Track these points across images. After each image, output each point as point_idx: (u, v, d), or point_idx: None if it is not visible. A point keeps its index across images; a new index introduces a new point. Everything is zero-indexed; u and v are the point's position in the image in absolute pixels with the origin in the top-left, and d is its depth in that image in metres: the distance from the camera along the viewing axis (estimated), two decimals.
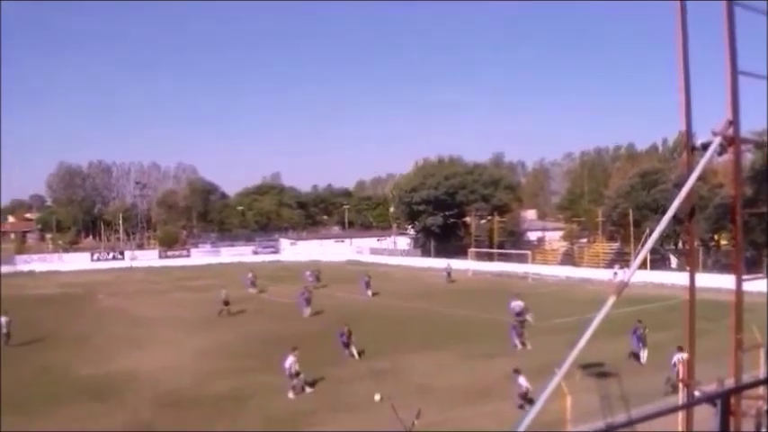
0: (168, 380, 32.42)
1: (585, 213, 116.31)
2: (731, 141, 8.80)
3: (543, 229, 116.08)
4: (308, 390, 30.02)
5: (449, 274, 75.58)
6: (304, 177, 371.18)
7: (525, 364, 31.29)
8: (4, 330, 41.30)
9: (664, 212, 9.65)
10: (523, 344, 38.79)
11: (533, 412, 9.58)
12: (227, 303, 51.94)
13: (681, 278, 40.85)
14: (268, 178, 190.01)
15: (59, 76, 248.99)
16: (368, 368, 33.95)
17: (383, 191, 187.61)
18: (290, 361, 29.91)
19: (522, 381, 26.51)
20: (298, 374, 29.93)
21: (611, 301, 8.66)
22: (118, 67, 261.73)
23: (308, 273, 70.83)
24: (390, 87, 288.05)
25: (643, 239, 72.21)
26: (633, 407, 24.17)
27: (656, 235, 10.06)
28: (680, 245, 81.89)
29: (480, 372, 32.75)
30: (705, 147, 8.97)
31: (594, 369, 30.51)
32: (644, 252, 10.73)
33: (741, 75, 8.80)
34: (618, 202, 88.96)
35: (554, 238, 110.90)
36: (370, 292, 62.85)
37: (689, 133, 9.60)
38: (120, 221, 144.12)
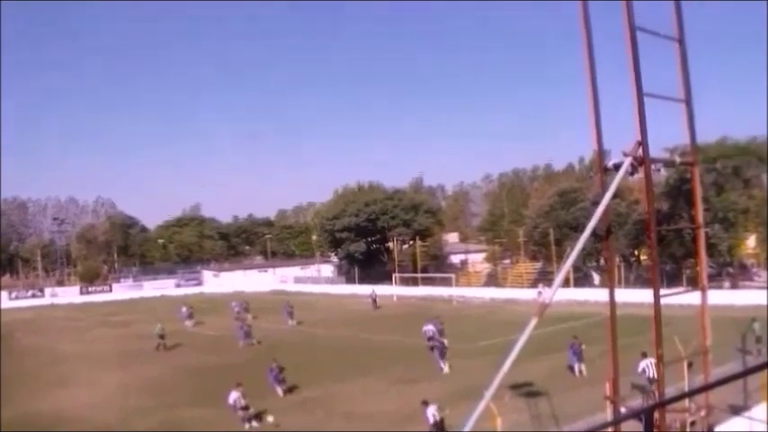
0: (95, 418, 31.82)
1: (507, 234, 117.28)
2: (641, 161, 9.06)
3: (466, 252, 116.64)
4: (255, 424, 29.72)
5: (374, 300, 75.49)
6: (224, 208, 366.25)
7: (451, 388, 31.59)
8: None
9: (584, 230, 9.88)
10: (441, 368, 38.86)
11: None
12: (162, 337, 51.26)
13: (604, 294, 41.29)
14: (188, 210, 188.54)
15: None
16: (297, 398, 33.82)
17: (305, 219, 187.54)
18: (233, 397, 29.81)
19: (431, 412, 26.06)
20: (247, 408, 29.79)
21: (533, 322, 8.84)
22: (28, 99, 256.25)
23: (234, 304, 70.29)
24: (307, 116, 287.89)
25: (564, 258, 73.19)
26: (564, 424, 24.37)
27: (573, 255, 10.30)
28: (602, 262, 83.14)
29: (407, 397, 32.73)
30: (617, 167, 9.23)
31: (524, 389, 30.78)
32: (563, 272, 11.00)
33: (647, 97, 9.10)
34: (538, 222, 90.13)
35: (477, 261, 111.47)
36: (292, 322, 62.55)
37: (600, 154, 9.86)
38: (39, 258, 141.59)
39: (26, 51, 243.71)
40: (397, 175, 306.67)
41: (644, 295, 31.49)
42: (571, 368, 36.00)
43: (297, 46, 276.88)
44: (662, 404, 7.18)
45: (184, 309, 67.44)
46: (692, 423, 9.66)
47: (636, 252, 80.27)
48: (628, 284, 66.21)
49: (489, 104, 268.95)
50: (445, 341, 41.30)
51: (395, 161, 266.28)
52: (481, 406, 9.12)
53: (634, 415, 5.29)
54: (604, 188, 9.67)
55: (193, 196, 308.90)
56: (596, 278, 77.65)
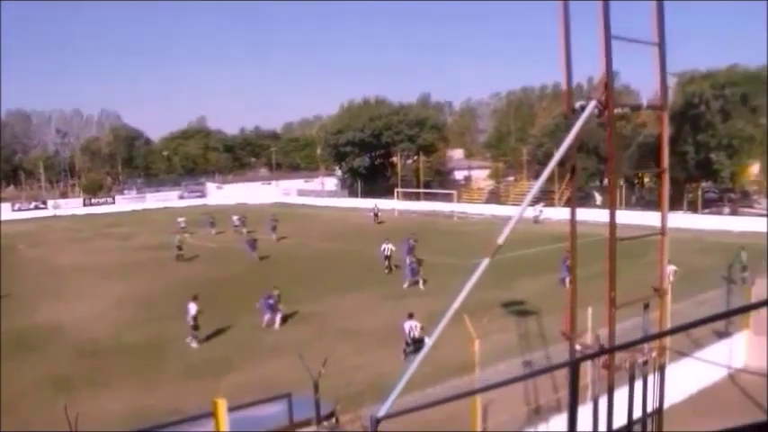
0: (89, 330, 32.30)
1: (512, 152, 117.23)
2: (606, 104, 9.09)
3: (470, 168, 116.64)
4: (194, 345, 29.37)
5: (376, 214, 76.04)
6: (230, 120, 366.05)
7: (441, 305, 31.74)
8: None
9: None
10: (416, 282, 39.56)
11: (420, 357, 9.91)
12: (180, 248, 52.36)
13: (604, 215, 41.82)
14: (194, 122, 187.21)
15: None
16: (289, 311, 33.67)
17: (311, 132, 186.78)
18: (193, 310, 29.31)
19: (410, 326, 26.30)
20: (197, 327, 29.74)
21: (485, 262, 8.95)
22: (34, 8, 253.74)
23: (235, 218, 70.57)
24: (314, 27, 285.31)
25: (566, 180, 73.35)
26: (551, 344, 24.52)
27: (539, 183, 10.37)
28: (605, 182, 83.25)
29: (401, 312, 33.07)
30: (583, 108, 9.26)
31: (515, 307, 31.07)
32: (526, 202, 11.05)
33: (615, 39, 9.09)
34: (543, 141, 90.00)
35: (480, 177, 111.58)
36: (274, 236, 61.59)
37: (569, 95, 9.87)
38: (42, 170, 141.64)
39: None
40: (406, 90, 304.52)
41: (644, 217, 32.13)
42: (563, 281, 36.76)
43: None
44: (585, 358, 7.24)
45: (180, 220, 68.83)
46: (644, 363, 9.75)
47: (639, 174, 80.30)
48: (629, 206, 66.74)
49: (499, 21, 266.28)
50: (415, 259, 42.25)
51: (404, 76, 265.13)
52: (435, 334, 9.30)
53: (561, 366, 5.42)
54: (570, 129, 9.71)
55: (199, 108, 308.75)
56: (598, 198, 77.85)
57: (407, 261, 42.55)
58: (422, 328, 25.92)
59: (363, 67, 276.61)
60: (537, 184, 10.36)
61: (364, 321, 32.03)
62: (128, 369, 26.32)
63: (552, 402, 19.34)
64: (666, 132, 10.48)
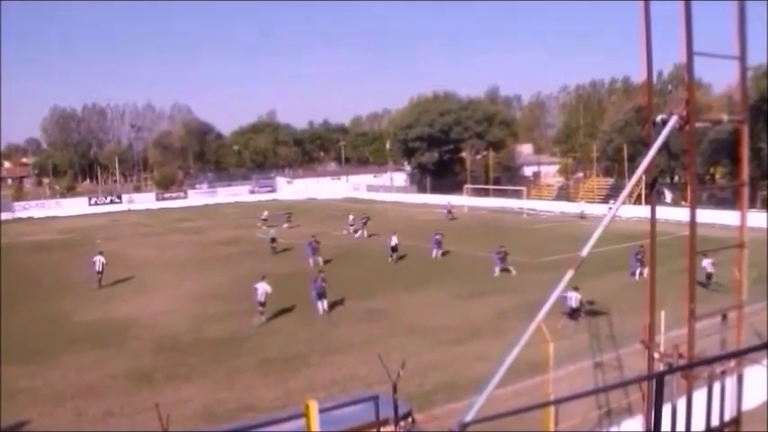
0: (166, 325, 32.66)
1: (581, 148, 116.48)
2: (687, 120, 9.23)
3: (539, 164, 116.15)
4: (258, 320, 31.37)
5: (449, 211, 75.82)
6: (300, 114, 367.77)
7: (515, 302, 32.01)
8: (99, 269, 41.77)
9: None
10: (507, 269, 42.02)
11: (506, 364, 10.16)
12: (273, 240, 53.54)
13: (675, 213, 41.78)
14: (263, 116, 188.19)
15: (52, 20, 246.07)
16: (360, 308, 34.18)
17: (380, 126, 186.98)
18: (261, 289, 31.57)
19: (570, 296, 28.93)
20: (263, 305, 30.94)
21: (569, 275, 9.13)
22: (109, 8, 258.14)
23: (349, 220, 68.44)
24: (382, 18, 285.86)
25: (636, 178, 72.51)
26: (621, 346, 24.54)
27: (618, 203, 10.53)
28: (675, 179, 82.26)
29: (472, 311, 33.17)
30: (664, 122, 9.41)
31: (585, 307, 30.92)
32: (608, 218, 11.19)
33: (698, 55, 9.22)
34: (612, 136, 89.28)
35: (549, 173, 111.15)
36: (363, 233, 61.47)
37: (650, 108, 10.01)
38: (117, 164, 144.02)
39: None
40: (473, 84, 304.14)
41: (716, 216, 32.01)
42: (633, 274, 38.72)
43: None
44: (671, 371, 7.27)
45: (265, 213, 69.86)
46: (722, 372, 9.74)
47: (710, 170, 79.07)
48: (700, 204, 65.56)
49: (570, 13, 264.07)
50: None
51: (472, 69, 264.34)
52: (524, 338, 9.51)
53: (646, 378, 5.61)
54: (651, 142, 9.83)
55: (269, 102, 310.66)
56: (668, 196, 76.89)
57: (434, 253, 48.26)
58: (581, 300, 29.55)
59: (431, 59, 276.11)
60: (620, 199, 10.52)
61: (437, 319, 32.06)
62: (205, 364, 26.79)
63: (624, 405, 19.26)
64: (746, 145, 10.52)
